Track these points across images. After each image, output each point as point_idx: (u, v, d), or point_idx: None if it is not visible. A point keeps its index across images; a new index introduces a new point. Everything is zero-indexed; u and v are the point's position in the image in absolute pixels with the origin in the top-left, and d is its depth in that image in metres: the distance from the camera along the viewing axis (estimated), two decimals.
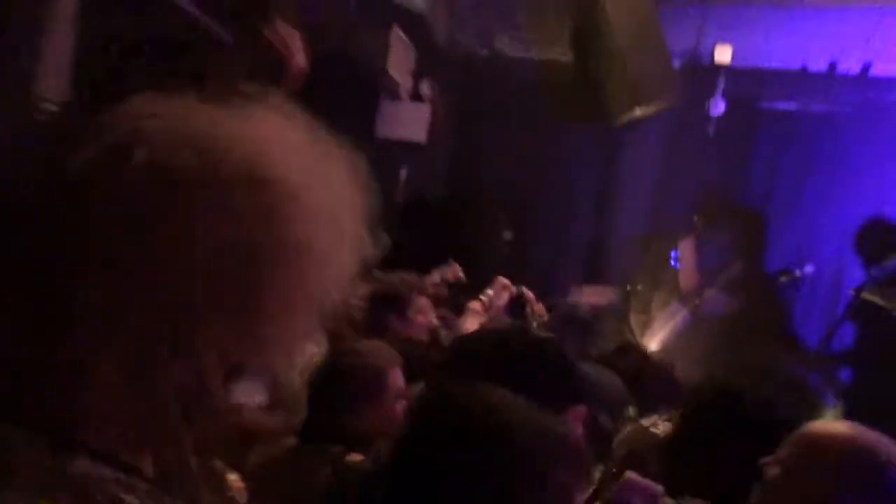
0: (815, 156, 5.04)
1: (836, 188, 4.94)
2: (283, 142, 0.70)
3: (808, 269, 4.74)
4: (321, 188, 0.71)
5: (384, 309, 3.06)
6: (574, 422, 1.47)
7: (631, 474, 1.54)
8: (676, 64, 4.98)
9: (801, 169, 5.07)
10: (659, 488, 1.49)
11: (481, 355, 1.52)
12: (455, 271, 3.88)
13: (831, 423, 1.63)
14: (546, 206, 5.21)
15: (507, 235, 5.13)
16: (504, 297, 3.42)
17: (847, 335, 4.38)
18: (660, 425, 2.15)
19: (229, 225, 0.64)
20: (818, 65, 4.92)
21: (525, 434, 1.08)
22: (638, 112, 4.50)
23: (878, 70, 4.81)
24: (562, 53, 4.74)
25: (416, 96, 5.33)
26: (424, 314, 3.25)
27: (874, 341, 4.05)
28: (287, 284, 0.67)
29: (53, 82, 2.40)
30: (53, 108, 2.33)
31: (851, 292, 4.37)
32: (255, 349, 0.69)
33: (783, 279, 4.81)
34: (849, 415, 3.75)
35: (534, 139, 5.11)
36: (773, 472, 1.53)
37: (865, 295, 4.01)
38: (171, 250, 0.63)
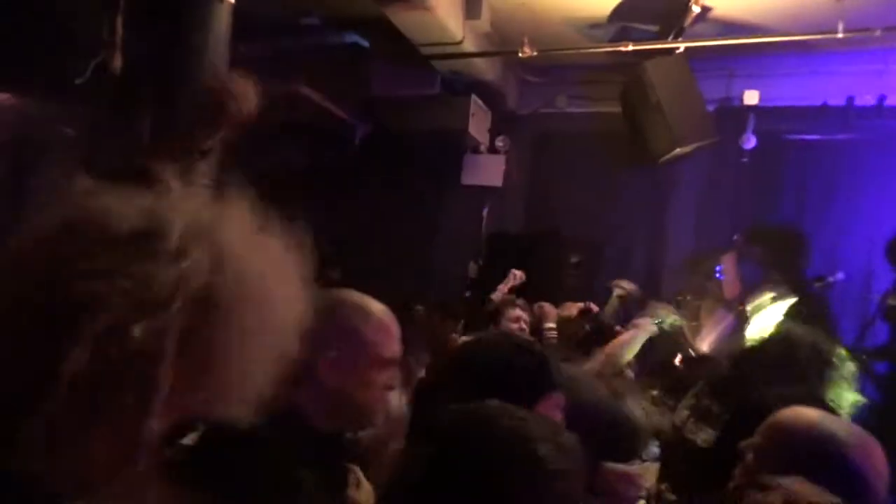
0: (837, 179, 4.99)
1: (858, 207, 4.88)
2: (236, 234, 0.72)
3: (840, 276, 4.67)
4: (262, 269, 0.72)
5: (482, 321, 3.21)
6: (552, 409, 1.44)
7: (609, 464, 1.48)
8: (711, 108, 5.08)
9: (826, 191, 5.02)
10: (635, 469, 1.46)
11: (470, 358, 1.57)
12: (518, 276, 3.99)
13: (799, 410, 1.47)
14: (608, 236, 5.34)
15: (574, 260, 5.29)
16: (573, 310, 3.62)
17: (879, 334, 4.31)
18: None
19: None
20: (837, 100, 4.89)
21: (549, 454, 0.97)
22: (678, 151, 4.60)
23: (891, 101, 4.75)
24: (613, 107, 4.90)
25: (493, 150, 5.61)
26: (517, 320, 3.39)
27: None
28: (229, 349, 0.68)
29: None
30: None
31: (880, 297, 4.29)
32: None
33: (818, 285, 4.74)
34: (882, 404, 3.74)
35: (595, 180, 5.26)
36: (748, 456, 1.46)
37: (892, 301, 3.93)
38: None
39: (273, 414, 1.25)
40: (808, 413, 1.46)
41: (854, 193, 4.93)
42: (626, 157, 4.82)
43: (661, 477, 1.90)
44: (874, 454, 1.37)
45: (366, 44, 4.87)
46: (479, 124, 5.43)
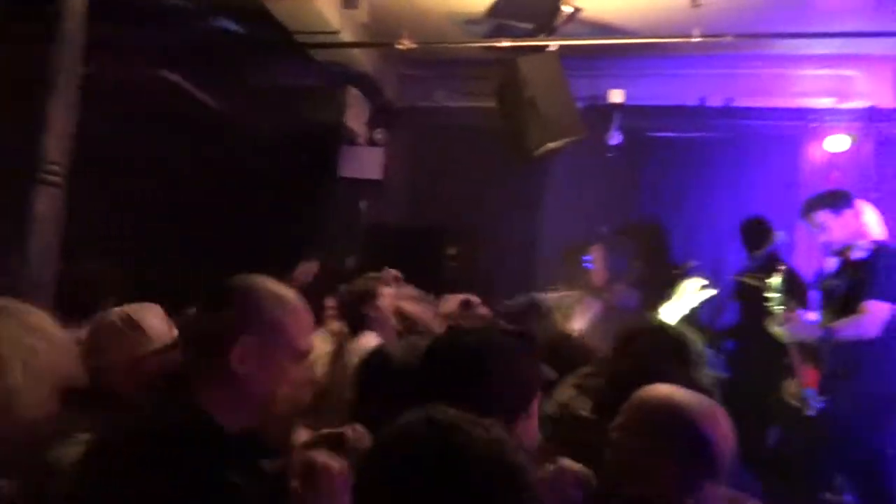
0: (691, 174, 5.34)
1: (709, 199, 5.25)
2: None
3: (694, 263, 4.98)
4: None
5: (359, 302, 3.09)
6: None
7: (564, 461, 1.50)
8: (581, 105, 5.28)
9: (681, 185, 5.36)
10: (588, 473, 1.46)
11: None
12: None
13: (656, 387, 1.57)
14: (486, 228, 5.42)
15: (452, 251, 5.34)
16: (453, 304, 3.61)
17: (728, 316, 4.64)
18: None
19: None
20: (692, 100, 5.22)
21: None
22: (550, 146, 4.75)
23: (738, 103, 5.13)
24: (490, 102, 4.98)
25: (372, 142, 5.55)
26: (389, 297, 3.29)
27: (751, 317, 4.16)
28: None
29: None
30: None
31: (733, 277, 4.64)
32: None
33: (677, 273, 5.03)
34: (731, 379, 4.04)
35: (473, 173, 5.33)
36: (615, 433, 1.55)
37: (745, 279, 4.16)
38: None
39: (177, 413, 1.17)
40: (662, 388, 1.56)
41: (706, 187, 5.29)
42: (502, 152, 4.91)
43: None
44: (721, 423, 1.50)
45: (241, 31, 4.66)
46: (356, 116, 5.36)
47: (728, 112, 5.15)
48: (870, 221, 3.98)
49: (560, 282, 5.25)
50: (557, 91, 4.67)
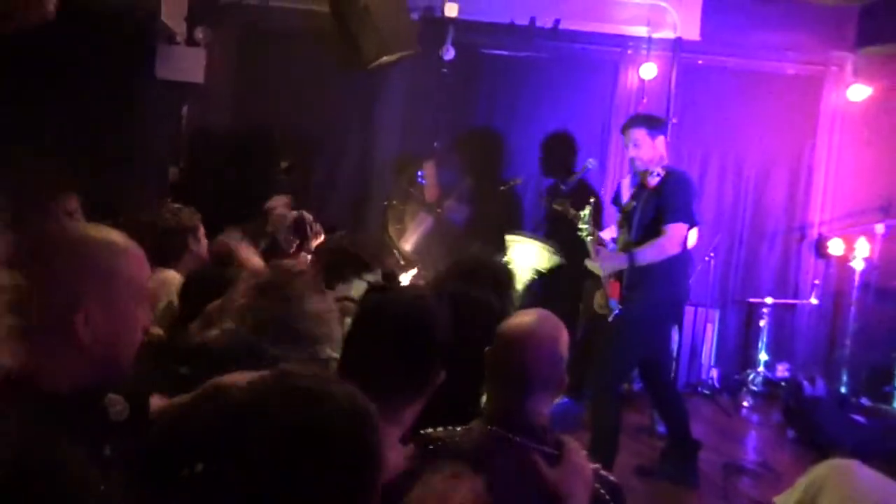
0: (521, 92, 5.45)
1: (537, 117, 5.41)
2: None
3: (521, 179, 5.16)
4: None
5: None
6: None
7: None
8: (415, 17, 5.12)
9: (512, 103, 5.46)
10: None
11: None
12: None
13: (519, 317, 1.60)
14: (319, 140, 5.20)
15: (284, 164, 5.09)
16: (287, 220, 3.47)
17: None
18: None
19: None
20: (523, 20, 5.26)
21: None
22: (385, 59, 4.59)
23: (565, 25, 5.24)
24: (321, 6, 4.66)
25: (192, 42, 5.02)
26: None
27: (560, 239, 4.30)
28: None
29: None
30: None
31: (544, 201, 4.81)
32: None
33: (503, 188, 5.20)
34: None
35: (305, 81, 5.02)
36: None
37: (555, 205, 4.28)
38: None
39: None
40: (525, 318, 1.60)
41: (535, 105, 5.44)
42: (336, 60, 4.66)
43: None
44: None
45: None
46: (173, 10, 4.79)
47: (556, 34, 5.25)
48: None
49: (394, 196, 5.24)
50: (393, 1, 4.48)
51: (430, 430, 1.49)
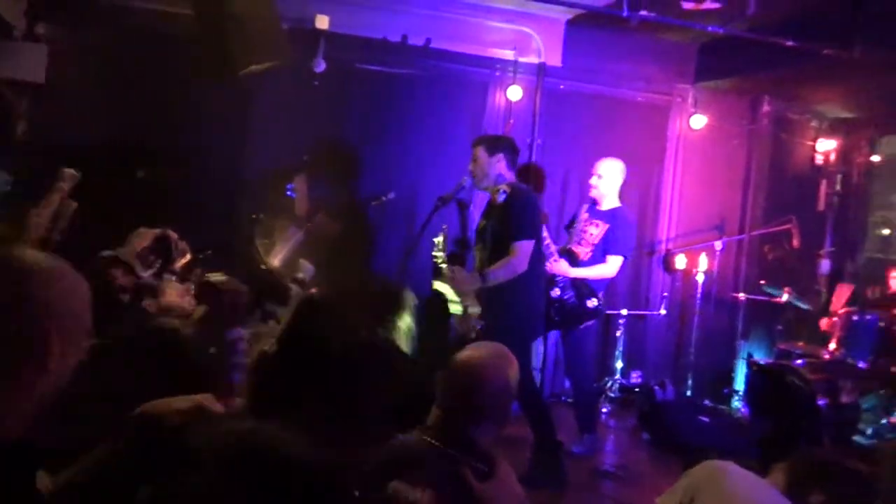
0: (392, 107, 5.42)
1: (408, 132, 5.42)
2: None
3: (392, 195, 5.13)
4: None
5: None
6: None
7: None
8: (286, 27, 4.95)
9: (384, 117, 5.42)
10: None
11: None
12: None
13: (474, 350, 1.76)
14: (184, 151, 4.85)
15: (140, 174, 4.72)
16: (147, 239, 3.16)
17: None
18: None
19: None
20: (395, 36, 5.24)
21: None
22: (254, 68, 4.39)
23: (436, 44, 5.29)
24: (183, 8, 4.38)
25: (32, 37, 4.53)
26: None
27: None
28: None
29: None
30: None
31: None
32: None
33: (374, 203, 5.15)
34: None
35: (166, 87, 4.67)
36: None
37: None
38: None
39: None
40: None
41: (407, 122, 5.43)
42: (200, 67, 4.39)
43: None
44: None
45: None
46: (11, 3, 4.31)
47: (427, 52, 5.28)
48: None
49: (262, 210, 5.01)
50: (264, 8, 4.30)
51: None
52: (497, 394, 1.65)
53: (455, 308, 3.68)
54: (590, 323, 4.57)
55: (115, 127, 4.66)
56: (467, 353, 1.73)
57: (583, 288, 4.54)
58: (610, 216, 4.65)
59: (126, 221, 3.47)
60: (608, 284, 4.78)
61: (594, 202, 4.71)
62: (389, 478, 1.34)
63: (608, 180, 4.65)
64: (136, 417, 1.16)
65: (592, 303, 4.64)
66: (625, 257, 4.63)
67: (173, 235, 3.16)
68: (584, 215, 4.70)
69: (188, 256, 3.19)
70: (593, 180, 4.68)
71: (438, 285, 3.68)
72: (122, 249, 2.95)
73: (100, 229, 3.19)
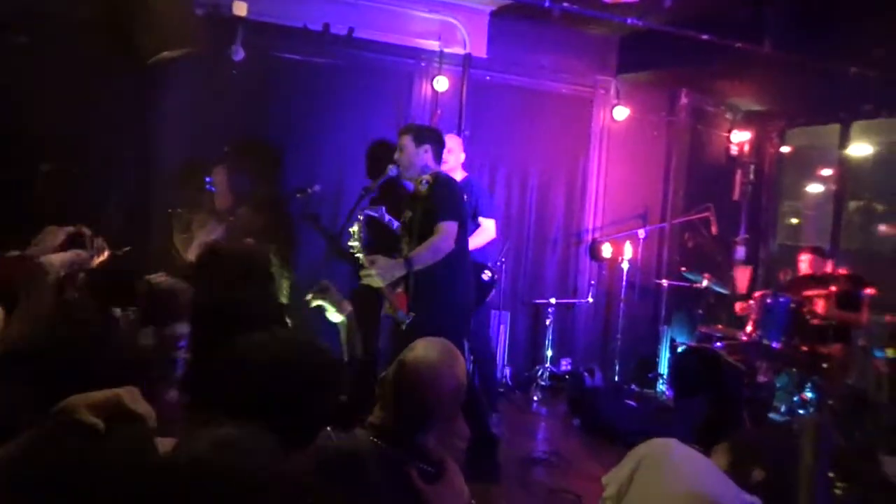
0: (315, 98, 5.27)
1: (332, 125, 5.28)
2: None
3: (317, 188, 4.99)
4: None
5: None
6: None
7: None
8: (200, 13, 4.74)
9: (306, 109, 5.27)
10: None
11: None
12: None
13: (421, 351, 1.69)
14: (90, 140, 4.55)
15: (45, 167, 4.41)
16: (59, 237, 2.94)
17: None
18: None
19: None
20: (316, 25, 5.11)
21: None
22: (166, 55, 4.18)
23: (359, 33, 5.18)
24: None
25: None
26: None
27: (378, 243, 4.34)
28: None
29: None
30: None
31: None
32: None
33: (299, 195, 4.99)
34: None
35: (71, 76, 4.37)
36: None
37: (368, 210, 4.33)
38: None
39: None
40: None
41: (330, 112, 5.30)
42: (108, 53, 4.14)
43: None
44: None
45: None
46: None
47: (350, 41, 5.17)
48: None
49: (179, 204, 4.78)
50: None
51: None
52: (449, 398, 1.62)
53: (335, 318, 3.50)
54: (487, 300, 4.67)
55: (16, 118, 4.34)
56: (414, 354, 1.65)
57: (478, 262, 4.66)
58: (465, 187, 4.71)
59: (32, 219, 3.24)
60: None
61: None
62: (332, 478, 1.26)
63: (456, 156, 4.75)
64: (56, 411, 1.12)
65: (486, 275, 4.78)
66: (495, 219, 4.81)
67: (87, 232, 2.96)
68: None
69: (106, 254, 2.99)
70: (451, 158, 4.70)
71: (365, 278, 3.57)
72: (32, 249, 2.74)
73: (2, 227, 2.96)
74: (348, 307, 3.37)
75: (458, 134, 5.38)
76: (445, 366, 1.62)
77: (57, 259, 2.40)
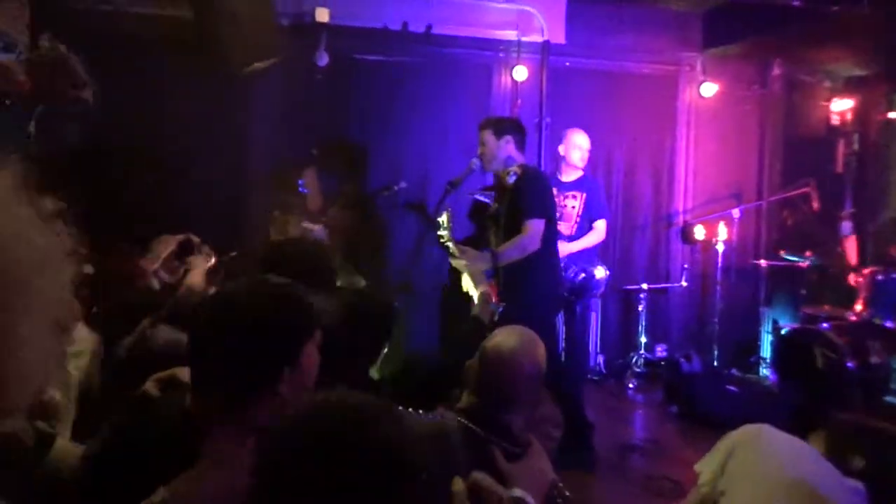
0: (398, 96, 5.37)
1: (414, 122, 5.37)
2: None
3: (403, 184, 5.09)
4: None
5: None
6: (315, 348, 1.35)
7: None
8: (285, 23, 4.94)
9: (390, 107, 5.37)
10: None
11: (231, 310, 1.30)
12: None
13: (503, 338, 1.76)
14: (186, 152, 4.84)
15: (146, 180, 4.72)
16: (171, 245, 3.13)
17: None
18: None
19: None
20: (395, 24, 5.20)
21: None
22: (256, 66, 4.38)
23: (437, 30, 5.24)
24: (181, 11, 4.37)
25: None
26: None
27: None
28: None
29: None
30: None
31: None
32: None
33: (385, 193, 5.11)
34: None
35: (166, 91, 4.67)
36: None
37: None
38: None
39: None
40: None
41: (411, 110, 5.39)
42: (199, 68, 4.38)
43: None
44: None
45: None
46: (12, 17, 4.31)
47: (429, 38, 5.24)
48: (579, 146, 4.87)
49: (275, 208, 5.01)
50: (261, 6, 4.28)
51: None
52: (529, 380, 1.68)
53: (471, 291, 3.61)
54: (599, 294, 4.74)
55: (118, 134, 4.67)
56: (496, 340, 1.75)
57: (583, 261, 4.76)
58: (582, 185, 4.90)
59: (138, 228, 3.48)
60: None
61: (554, 177, 4.85)
62: (420, 454, 1.29)
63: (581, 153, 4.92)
64: None
65: (600, 272, 4.86)
66: (606, 219, 4.91)
67: (196, 240, 3.12)
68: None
69: (213, 260, 3.15)
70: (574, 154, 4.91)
71: (455, 263, 3.63)
72: (146, 258, 2.94)
73: (114, 237, 3.20)
74: (485, 287, 3.47)
75: (539, 122, 5.34)
76: (522, 353, 1.69)
77: (197, 280, 2.56)
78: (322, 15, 4.96)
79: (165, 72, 4.62)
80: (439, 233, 3.55)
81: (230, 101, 4.82)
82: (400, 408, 1.54)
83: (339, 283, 2.97)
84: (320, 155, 5.25)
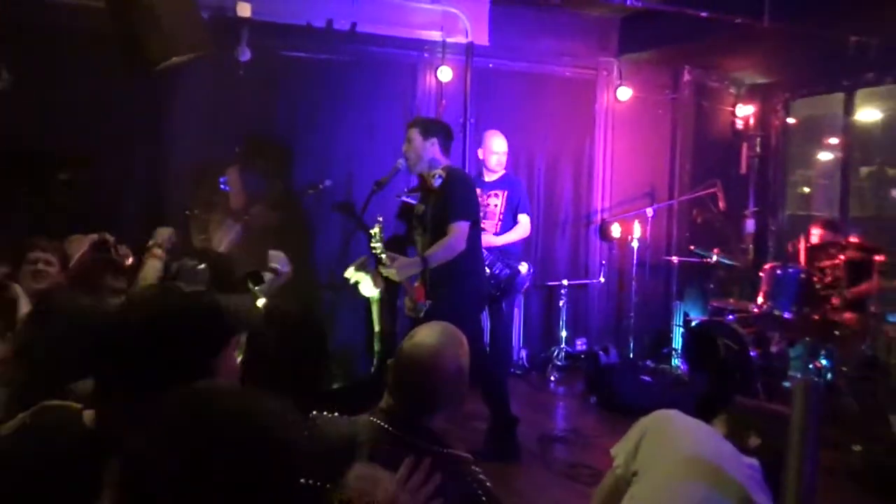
0: (322, 95, 5.33)
1: (339, 120, 5.35)
2: None
3: (328, 183, 5.07)
4: None
5: None
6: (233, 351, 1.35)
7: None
8: (206, 16, 4.80)
9: (313, 106, 5.33)
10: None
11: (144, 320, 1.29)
12: None
13: (423, 335, 1.70)
14: (103, 148, 4.65)
15: (63, 176, 4.51)
16: (84, 245, 3.01)
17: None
18: None
19: None
20: (319, 21, 5.16)
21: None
22: (175, 60, 4.25)
23: (362, 28, 5.23)
24: (101, 1, 4.19)
25: None
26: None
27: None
28: None
29: None
30: None
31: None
32: None
33: (311, 191, 5.07)
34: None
35: (82, 85, 4.46)
36: None
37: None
38: None
39: None
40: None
41: (337, 108, 5.36)
42: (118, 62, 4.21)
43: None
44: None
45: None
46: None
47: (353, 36, 5.22)
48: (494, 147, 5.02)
49: (195, 206, 4.89)
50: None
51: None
52: (450, 379, 1.61)
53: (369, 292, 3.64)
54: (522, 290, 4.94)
55: (33, 129, 4.44)
56: (416, 338, 1.65)
57: (508, 258, 4.92)
58: (503, 184, 5.10)
59: (52, 225, 3.33)
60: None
61: (478, 178, 5.06)
62: (336, 459, 1.31)
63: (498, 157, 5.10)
64: None
65: (524, 268, 5.06)
66: (529, 215, 5.11)
67: (110, 239, 3.02)
68: None
69: (131, 259, 3.05)
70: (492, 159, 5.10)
71: (385, 272, 3.66)
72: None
73: (23, 235, 3.06)
74: (381, 284, 3.49)
75: (464, 122, 5.43)
76: (443, 351, 1.62)
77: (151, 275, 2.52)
78: (244, 10, 4.87)
79: (83, 64, 4.42)
80: (372, 244, 3.57)
81: (149, 96, 4.66)
82: (323, 413, 1.56)
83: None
84: (243, 153, 5.15)
